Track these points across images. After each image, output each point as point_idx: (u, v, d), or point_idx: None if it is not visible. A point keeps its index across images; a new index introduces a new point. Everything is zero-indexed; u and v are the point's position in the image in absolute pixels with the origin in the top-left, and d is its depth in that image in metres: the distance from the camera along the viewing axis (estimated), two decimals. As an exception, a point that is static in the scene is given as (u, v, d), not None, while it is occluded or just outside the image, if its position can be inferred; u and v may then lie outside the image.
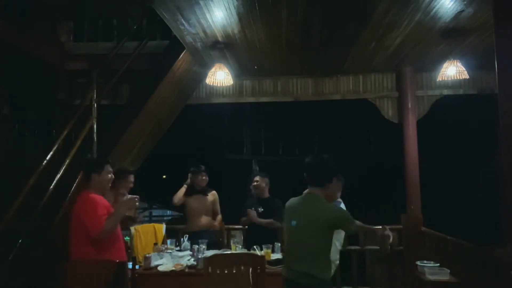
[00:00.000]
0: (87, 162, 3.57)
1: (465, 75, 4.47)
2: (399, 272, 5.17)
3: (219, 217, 4.92)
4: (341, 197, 3.88)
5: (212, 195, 4.88)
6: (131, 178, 4.27)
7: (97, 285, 3.07)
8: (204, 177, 4.82)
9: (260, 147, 15.36)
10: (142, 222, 4.37)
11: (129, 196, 3.54)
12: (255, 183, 4.63)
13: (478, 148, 11.74)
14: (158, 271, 3.64)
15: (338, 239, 3.71)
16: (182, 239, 4.43)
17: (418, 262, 4.32)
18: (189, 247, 4.18)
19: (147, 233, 4.96)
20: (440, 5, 3.65)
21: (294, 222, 2.86)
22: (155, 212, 19.69)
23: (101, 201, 3.27)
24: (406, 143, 5.49)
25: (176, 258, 3.88)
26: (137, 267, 4.11)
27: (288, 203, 3.03)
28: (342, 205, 3.80)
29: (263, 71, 5.66)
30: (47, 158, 4.20)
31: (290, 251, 2.94)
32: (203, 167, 4.85)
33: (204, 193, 4.83)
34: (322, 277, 2.78)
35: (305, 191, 2.97)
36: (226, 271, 3.14)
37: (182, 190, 4.82)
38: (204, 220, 4.75)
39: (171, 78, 5.08)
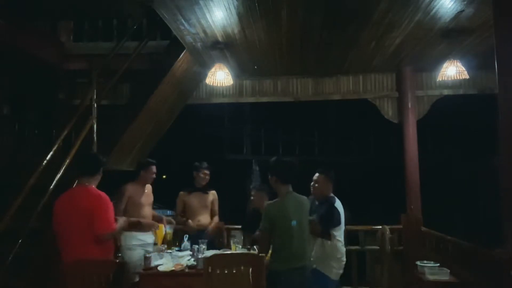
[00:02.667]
0: (100, 159, 3.64)
1: (465, 75, 4.46)
2: (399, 272, 5.17)
3: (216, 218, 4.87)
4: (341, 197, 3.88)
5: (212, 195, 4.83)
6: (153, 169, 4.38)
7: (97, 285, 3.07)
8: (206, 175, 4.75)
9: (260, 147, 15.35)
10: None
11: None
12: (252, 198, 4.54)
13: (478, 148, 11.74)
14: (158, 271, 3.63)
15: (340, 234, 3.76)
16: (182, 239, 4.43)
17: (418, 262, 4.32)
18: (189, 247, 4.18)
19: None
20: (440, 5, 3.65)
21: (294, 222, 3.16)
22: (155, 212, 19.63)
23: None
24: (406, 143, 5.48)
25: (176, 258, 3.88)
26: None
27: (277, 207, 3.23)
28: (338, 202, 3.82)
29: (263, 71, 5.66)
30: (47, 158, 4.19)
31: (291, 247, 3.15)
32: (206, 164, 4.79)
33: (205, 191, 4.78)
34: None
35: (287, 191, 3.27)
36: (226, 271, 3.14)
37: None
38: (204, 219, 4.73)
39: (171, 78, 5.08)
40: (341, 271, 3.78)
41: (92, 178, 3.41)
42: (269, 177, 3.35)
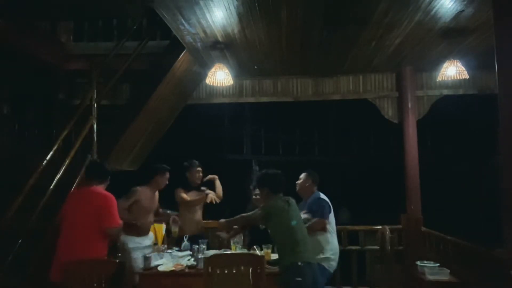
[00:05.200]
0: (109, 169, 3.87)
1: (465, 75, 4.47)
2: (399, 272, 5.17)
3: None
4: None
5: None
6: (168, 175, 4.39)
7: (97, 285, 3.08)
8: (199, 172, 4.71)
9: (260, 147, 15.32)
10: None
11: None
12: (255, 197, 4.47)
13: (478, 148, 11.73)
14: (158, 271, 3.63)
15: (333, 227, 3.94)
16: (182, 239, 4.42)
17: (418, 262, 4.33)
18: (189, 247, 4.18)
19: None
20: (440, 5, 3.65)
21: (294, 222, 3.34)
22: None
23: None
24: (406, 143, 5.49)
25: (176, 258, 3.88)
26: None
27: (278, 206, 3.39)
28: (323, 195, 4.13)
29: (263, 71, 5.66)
30: (47, 158, 4.19)
31: (301, 243, 3.28)
32: (197, 162, 4.75)
33: (200, 189, 4.71)
34: None
35: (280, 195, 3.47)
36: (226, 271, 3.14)
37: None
38: (201, 219, 4.73)
39: (171, 78, 5.08)
40: (334, 264, 3.97)
41: (101, 184, 3.64)
42: (260, 189, 3.62)
